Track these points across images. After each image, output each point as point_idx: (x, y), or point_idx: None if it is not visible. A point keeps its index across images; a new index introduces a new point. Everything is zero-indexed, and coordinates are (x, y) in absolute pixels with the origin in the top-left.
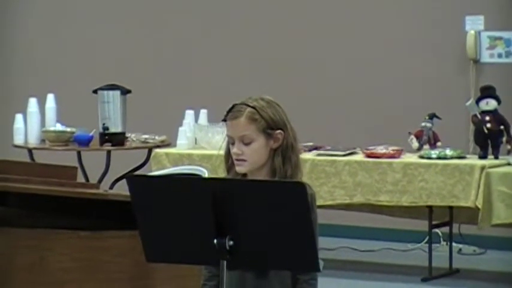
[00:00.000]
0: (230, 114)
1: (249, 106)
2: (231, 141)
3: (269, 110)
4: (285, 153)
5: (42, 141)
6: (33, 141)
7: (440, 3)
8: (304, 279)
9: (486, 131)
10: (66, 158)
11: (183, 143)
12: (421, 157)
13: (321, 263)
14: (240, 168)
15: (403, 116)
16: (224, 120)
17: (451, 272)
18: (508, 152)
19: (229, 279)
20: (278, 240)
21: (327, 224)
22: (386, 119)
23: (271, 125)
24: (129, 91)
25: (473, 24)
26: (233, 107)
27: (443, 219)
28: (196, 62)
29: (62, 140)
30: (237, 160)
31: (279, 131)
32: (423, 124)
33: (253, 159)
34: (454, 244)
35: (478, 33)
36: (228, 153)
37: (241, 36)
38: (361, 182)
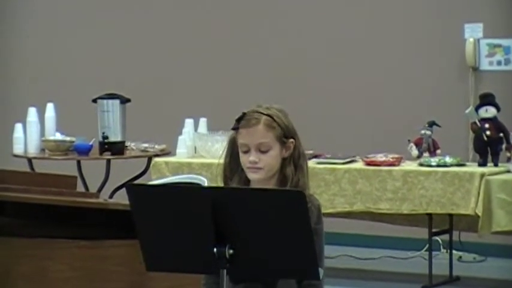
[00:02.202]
0: (244, 122)
1: (264, 114)
2: (243, 150)
3: (283, 118)
4: (296, 161)
5: (42, 150)
6: (32, 150)
7: (439, 11)
8: None
9: (485, 138)
10: (66, 167)
11: (182, 152)
12: (421, 165)
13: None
14: (255, 176)
15: (402, 124)
16: (235, 128)
17: (451, 280)
18: (508, 160)
19: None
20: (278, 248)
21: (327, 232)
22: (386, 126)
23: (286, 133)
24: (128, 100)
25: (473, 31)
26: (244, 114)
27: (443, 227)
28: (196, 71)
29: (62, 149)
30: (252, 168)
31: (291, 139)
32: (423, 132)
33: (269, 167)
34: (454, 252)
35: (477, 41)
36: (229, 163)
37: (241, 45)
38: (361, 190)
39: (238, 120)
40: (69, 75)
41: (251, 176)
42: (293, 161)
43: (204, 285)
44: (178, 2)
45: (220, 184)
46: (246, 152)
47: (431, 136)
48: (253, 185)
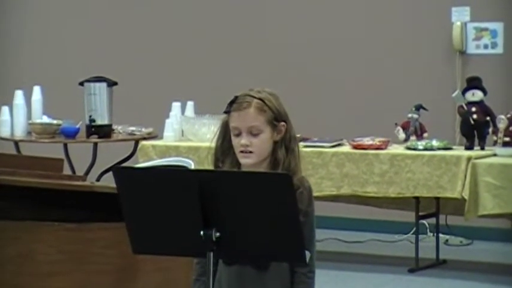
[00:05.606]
0: (236, 105)
1: (255, 97)
2: (235, 133)
3: (274, 101)
4: (288, 145)
5: (29, 133)
6: (19, 133)
7: None
8: (302, 272)
9: (472, 122)
10: (53, 150)
11: (169, 135)
12: (408, 148)
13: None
14: (246, 161)
15: (389, 107)
16: (227, 112)
17: (438, 263)
18: (494, 143)
19: (227, 274)
20: (264, 231)
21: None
22: (373, 110)
23: (277, 116)
24: (115, 83)
25: (460, 15)
26: (236, 98)
27: (430, 210)
28: (183, 54)
29: (49, 132)
30: (244, 152)
31: (282, 123)
32: (410, 115)
33: (260, 150)
34: (440, 235)
35: (464, 24)
36: (221, 146)
37: (228, 29)
38: (348, 173)
39: (230, 103)
40: (56, 58)
41: (243, 161)
42: (284, 144)
43: (197, 264)
44: None
45: (209, 167)
46: (237, 135)
47: (418, 119)
48: (244, 168)
